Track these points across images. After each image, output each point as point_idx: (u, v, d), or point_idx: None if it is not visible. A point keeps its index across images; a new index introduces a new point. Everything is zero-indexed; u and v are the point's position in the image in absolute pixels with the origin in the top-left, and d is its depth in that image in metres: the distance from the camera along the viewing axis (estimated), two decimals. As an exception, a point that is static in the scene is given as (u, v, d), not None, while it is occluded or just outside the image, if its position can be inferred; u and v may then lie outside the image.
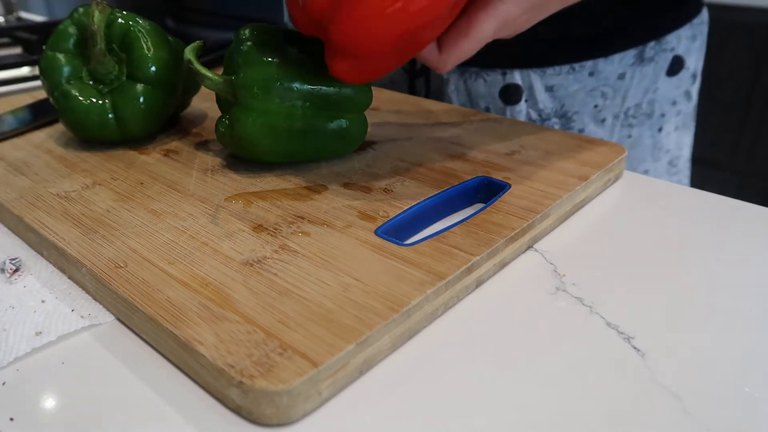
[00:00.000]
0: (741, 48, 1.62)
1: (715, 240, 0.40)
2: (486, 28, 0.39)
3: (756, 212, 0.43)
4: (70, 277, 0.35)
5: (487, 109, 0.67)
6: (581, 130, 0.65)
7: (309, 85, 0.42)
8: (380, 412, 0.27)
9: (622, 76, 0.65)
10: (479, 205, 0.42)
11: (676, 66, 0.67)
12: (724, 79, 1.67)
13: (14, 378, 0.28)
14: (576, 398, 0.27)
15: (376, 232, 0.36)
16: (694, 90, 0.71)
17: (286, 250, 0.34)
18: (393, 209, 0.39)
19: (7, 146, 0.49)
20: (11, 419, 0.26)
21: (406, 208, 0.39)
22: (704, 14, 0.69)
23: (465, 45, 0.39)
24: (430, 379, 0.28)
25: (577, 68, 0.64)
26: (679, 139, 0.71)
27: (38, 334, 0.31)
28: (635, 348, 0.30)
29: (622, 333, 0.31)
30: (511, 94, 0.66)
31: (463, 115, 0.55)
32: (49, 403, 0.27)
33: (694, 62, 0.69)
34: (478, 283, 0.35)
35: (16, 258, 0.36)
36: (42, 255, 0.37)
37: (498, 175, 0.43)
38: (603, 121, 0.66)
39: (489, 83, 0.66)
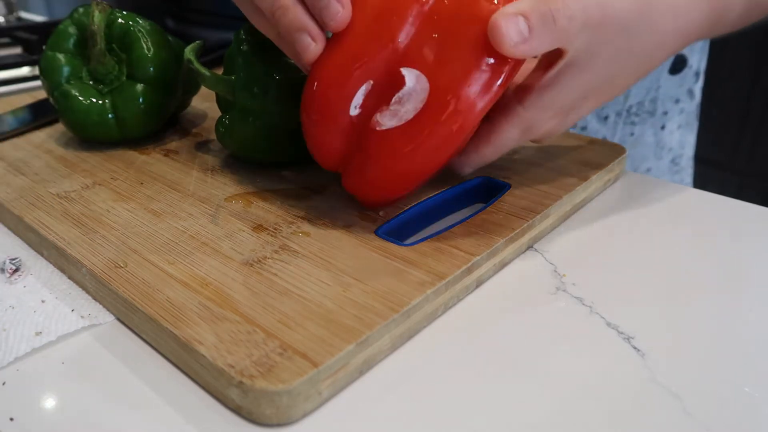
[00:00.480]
0: (741, 48, 1.62)
1: (716, 240, 0.40)
2: (508, 137, 0.38)
3: (756, 212, 0.43)
4: (70, 277, 0.35)
5: None
6: (584, 128, 0.65)
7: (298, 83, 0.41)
8: (380, 412, 0.27)
9: None
10: (479, 205, 0.42)
11: (678, 64, 0.66)
12: (725, 79, 1.67)
13: (14, 378, 0.28)
14: (576, 398, 0.27)
15: (376, 232, 0.36)
16: (697, 88, 0.71)
17: (286, 250, 0.34)
18: (393, 209, 0.39)
19: (7, 146, 0.49)
20: (11, 419, 0.26)
21: (406, 208, 0.39)
22: None
23: (487, 151, 0.39)
24: (430, 379, 0.28)
25: None
26: (682, 138, 0.71)
27: (38, 334, 0.31)
28: (635, 348, 0.30)
29: (622, 333, 0.31)
30: None
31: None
32: (49, 403, 0.27)
33: (697, 61, 0.69)
34: (478, 283, 0.35)
35: (16, 258, 0.36)
36: (42, 255, 0.37)
37: (498, 175, 0.43)
38: (606, 118, 0.66)
39: None
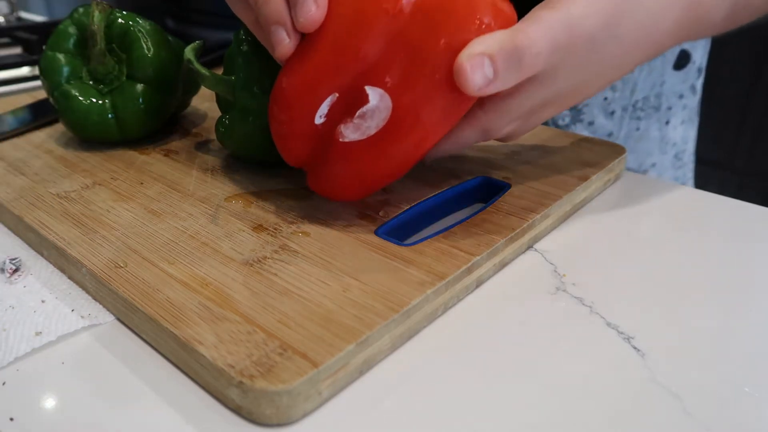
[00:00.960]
0: (741, 47, 1.62)
1: (716, 240, 0.40)
2: (466, 137, 0.37)
3: (756, 212, 0.43)
4: (70, 277, 0.35)
5: None
6: (591, 123, 0.66)
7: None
8: (380, 412, 0.27)
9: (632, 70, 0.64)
10: (479, 205, 0.42)
11: (682, 60, 0.67)
12: (725, 78, 1.67)
13: (14, 378, 0.28)
14: (576, 398, 0.27)
15: (376, 232, 0.36)
16: (699, 84, 0.71)
17: (286, 250, 0.34)
18: (393, 209, 0.39)
19: (7, 146, 0.49)
20: (11, 419, 0.26)
21: (406, 208, 0.39)
22: None
23: (445, 146, 0.38)
24: (430, 379, 0.28)
25: None
26: (684, 133, 0.71)
27: (38, 334, 0.31)
28: (635, 348, 0.30)
29: (622, 333, 0.31)
30: None
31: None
32: (49, 403, 0.27)
33: (700, 57, 0.69)
34: (478, 283, 0.35)
35: (16, 258, 0.36)
36: (42, 255, 0.37)
37: (498, 175, 0.43)
38: (612, 113, 0.66)
39: None
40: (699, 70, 0.70)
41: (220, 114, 0.44)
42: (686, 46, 0.66)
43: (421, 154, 0.34)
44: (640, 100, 0.66)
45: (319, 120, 0.34)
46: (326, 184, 0.36)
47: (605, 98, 0.65)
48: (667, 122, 0.69)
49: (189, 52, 0.43)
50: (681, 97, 0.69)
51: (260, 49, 0.41)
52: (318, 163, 0.36)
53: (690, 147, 0.73)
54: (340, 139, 0.33)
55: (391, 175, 0.35)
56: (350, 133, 0.33)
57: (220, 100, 0.45)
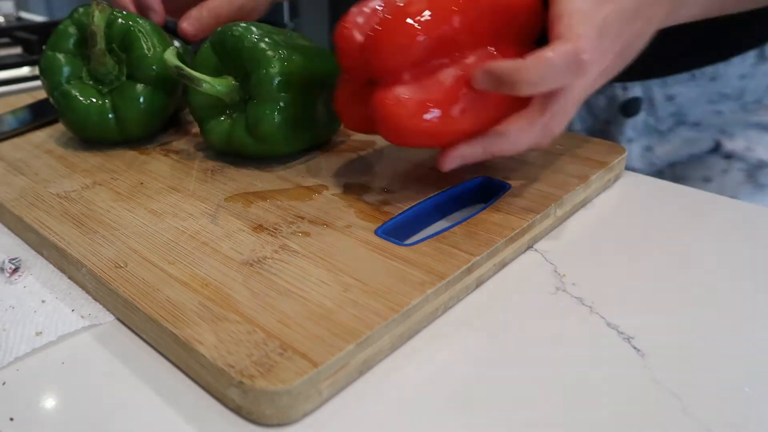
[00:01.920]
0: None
1: (716, 240, 0.40)
2: (525, 137, 0.38)
3: (757, 212, 0.43)
4: (70, 277, 0.35)
5: (608, 122, 0.65)
6: (696, 123, 0.63)
7: (315, 73, 0.44)
8: (380, 412, 0.27)
9: (743, 77, 0.61)
10: (479, 205, 0.42)
11: None
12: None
13: (14, 378, 0.28)
14: (576, 398, 0.27)
15: (376, 232, 0.36)
16: None
17: (286, 250, 0.34)
18: (393, 209, 0.39)
19: (7, 146, 0.49)
20: (11, 419, 0.26)
21: (406, 208, 0.39)
22: None
23: (504, 147, 0.38)
24: (430, 379, 0.28)
25: (698, 74, 0.61)
26: None
27: (38, 334, 0.31)
28: (635, 348, 0.30)
29: (622, 333, 0.31)
30: (631, 107, 0.64)
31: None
32: (49, 403, 0.27)
33: None
34: (478, 283, 0.35)
35: (16, 258, 0.36)
36: (42, 255, 0.37)
37: (498, 175, 0.43)
38: (719, 113, 0.63)
39: (606, 97, 0.64)
40: None
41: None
42: None
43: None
44: (750, 102, 0.63)
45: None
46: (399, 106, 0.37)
47: (710, 100, 0.63)
48: None
49: (172, 58, 0.43)
50: None
51: (266, 45, 0.42)
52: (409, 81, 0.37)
53: None
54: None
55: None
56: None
57: (203, 106, 0.45)
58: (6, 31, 0.85)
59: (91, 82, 0.48)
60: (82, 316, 0.32)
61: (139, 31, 0.47)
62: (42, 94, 0.61)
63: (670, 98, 0.63)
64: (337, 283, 0.31)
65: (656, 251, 0.38)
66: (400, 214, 0.38)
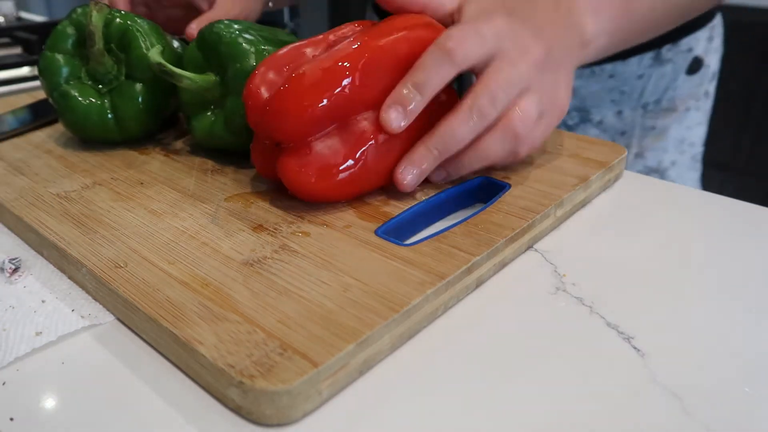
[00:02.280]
0: (741, 48, 1.62)
1: (716, 240, 0.40)
2: (492, 148, 0.39)
3: (756, 212, 0.43)
4: (70, 277, 0.35)
5: None
6: (600, 122, 0.67)
7: None
8: (380, 412, 0.27)
9: (640, 77, 0.66)
10: (479, 205, 0.42)
11: (695, 65, 0.68)
12: (725, 79, 1.66)
13: (14, 378, 0.28)
14: (576, 398, 0.27)
15: (376, 232, 0.36)
16: (712, 89, 0.73)
17: (286, 250, 0.34)
18: (393, 209, 0.39)
19: (7, 146, 0.49)
20: (11, 419, 0.26)
21: (406, 208, 0.39)
22: (718, 17, 0.71)
23: (470, 161, 0.40)
24: (430, 379, 0.28)
25: (597, 71, 0.65)
26: (698, 134, 0.73)
27: (38, 334, 0.31)
28: (635, 348, 0.30)
29: (622, 333, 0.31)
30: None
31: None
32: (49, 403, 0.27)
33: (714, 62, 0.71)
34: (478, 283, 0.35)
35: (16, 258, 0.36)
36: (42, 255, 0.37)
37: (498, 175, 0.43)
38: (620, 113, 0.67)
39: None
40: (713, 75, 0.71)
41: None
42: (699, 53, 0.67)
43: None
44: (650, 102, 0.67)
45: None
46: (274, 107, 0.37)
47: (612, 100, 0.67)
48: (684, 123, 0.70)
49: (156, 55, 0.44)
50: (697, 99, 0.71)
51: (245, 41, 0.43)
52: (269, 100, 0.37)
53: (701, 149, 0.75)
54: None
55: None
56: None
57: (189, 101, 0.46)
58: (6, 31, 0.85)
59: (90, 82, 0.48)
60: (82, 316, 0.32)
61: (137, 30, 0.47)
62: (42, 95, 0.61)
63: (572, 90, 0.66)
64: (337, 283, 0.31)
65: (656, 251, 0.38)
66: (400, 214, 0.38)
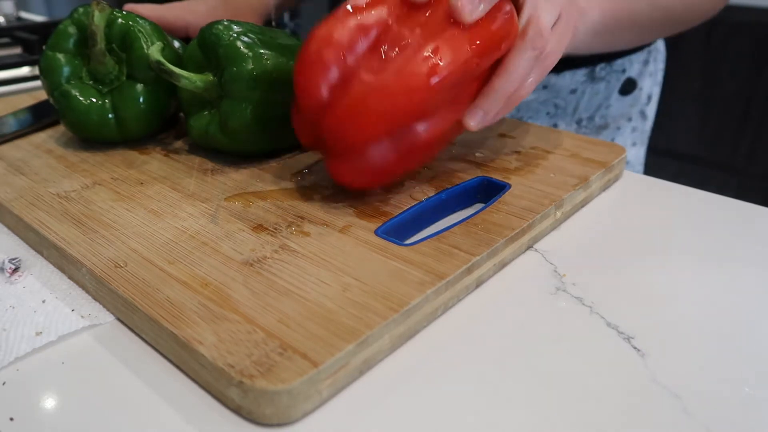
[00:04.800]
0: (741, 48, 1.62)
1: (716, 240, 0.40)
2: (519, 65, 0.39)
3: (756, 212, 0.43)
4: (70, 277, 0.35)
5: None
6: None
7: (289, 72, 0.43)
8: (380, 412, 0.27)
9: (573, 91, 0.70)
10: (479, 205, 0.42)
11: (628, 86, 0.72)
12: (725, 79, 1.67)
13: (14, 378, 0.28)
14: (576, 398, 0.27)
15: (376, 232, 0.36)
16: (650, 111, 0.77)
17: (286, 250, 0.34)
18: (393, 209, 0.39)
19: (8, 146, 0.49)
20: (11, 419, 0.26)
21: (406, 208, 0.39)
22: (658, 43, 0.75)
23: (501, 84, 0.40)
24: (430, 379, 0.28)
25: None
26: (637, 154, 0.77)
27: (38, 334, 0.31)
28: (635, 348, 0.30)
29: (622, 333, 0.31)
30: None
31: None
32: (49, 403, 0.27)
33: (649, 85, 0.75)
34: (478, 283, 0.35)
35: (16, 258, 0.36)
36: (42, 255, 0.37)
37: (498, 175, 0.43)
38: (555, 126, 0.71)
39: None
40: (648, 98, 0.75)
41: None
42: (632, 74, 0.72)
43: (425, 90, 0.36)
44: (584, 118, 0.71)
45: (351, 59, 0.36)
46: (336, 115, 0.36)
47: (547, 113, 0.70)
48: (613, 140, 0.74)
49: (156, 53, 0.44)
50: (630, 119, 0.74)
51: (243, 44, 0.43)
52: (329, 102, 0.36)
53: (641, 169, 0.78)
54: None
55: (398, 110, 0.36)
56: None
57: (189, 101, 0.46)
58: (6, 31, 0.85)
59: (91, 82, 0.48)
60: (82, 316, 0.32)
61: (139, 30, 0.47)
62: (42, 94, 0.61)
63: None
64: (337, 283, 0.31)
65: (656, 251, 0.38)
66: (400, 214, 0.38)
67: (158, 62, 0.43)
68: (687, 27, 0.61)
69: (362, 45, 0.36)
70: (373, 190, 0.41)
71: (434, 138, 0.38)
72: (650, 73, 0.74)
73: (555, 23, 0.42)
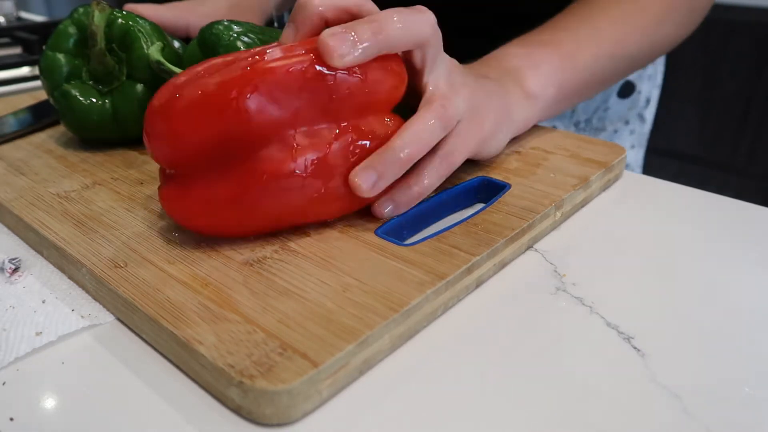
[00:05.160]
0: (741, 48, 1.62)
1: (716, 240, 0.40)
2: (425, 128, 0.36)
3: (756, 212, 0.43)
4: (70, 277, 0.35)
5: None
6: None
7: None
8: (380, 412, 0.27)
9: None
10: (479, 205, 0.42)
11: (626, 89, 0.72)
12: (725, 79, 1.67)
13: (14, 378, 0.28)
14: (576, 398, 0.27)
15: (376, 232, 0.36)
16: (648, 114, 0.77)
17: (286, 250, 0.34)
18: (393, 209, 0.38)
19: (8, 146, 0.49)
20: (11, 419, 0.26)
21: (406, 208, 0.39)
22: None
23: (404, 142, 0.35)
24: (430, 379, 0.28)
25: None
26: (635, 156, 0.77)
27: (38, 334, 0.31)
28: (635, 348, 0.30)
29: (622, 333, 0.31)
30: None
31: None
32: (49, 403, 0.27)
33: (647, 88, 0.74)
34: (478, 283, 0.35)
35: (16, 258, 0.36)
36: (42, 255, 0.37)
37: (498, 175, 0.43)
38: (554, 128, 0.69)
39: None
40: (647, 101, 0.75)
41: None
42: (631, 77, 0.71)
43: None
44: (582, 121, 0.71)
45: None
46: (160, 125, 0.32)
47: None
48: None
49: (156, 53, 0.44)
50: (627, 122, 0.74)
51: (243, 44, 0.43)
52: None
53: (639, 172, 0.78)
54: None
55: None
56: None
57: None
58: (6, 31, 0.85)
59: (91, 82, 0.48)
60: (82, 316, 0.32)
61: (139, 31, 0.47)
62: (42, 94, 0.61)
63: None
64: (337, 283, 0.31)
65: (656, 251, 0.38)
66: (400, 214, 0.38)
67: (158, 62, 0.43)
68: (662, 54, 0.59)
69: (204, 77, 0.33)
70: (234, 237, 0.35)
71: (281, 167, 0.32)
72: (649, 76, 0.74)
73: (468, 118, 0.39)
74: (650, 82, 0.74)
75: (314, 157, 0.33)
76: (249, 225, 0.34)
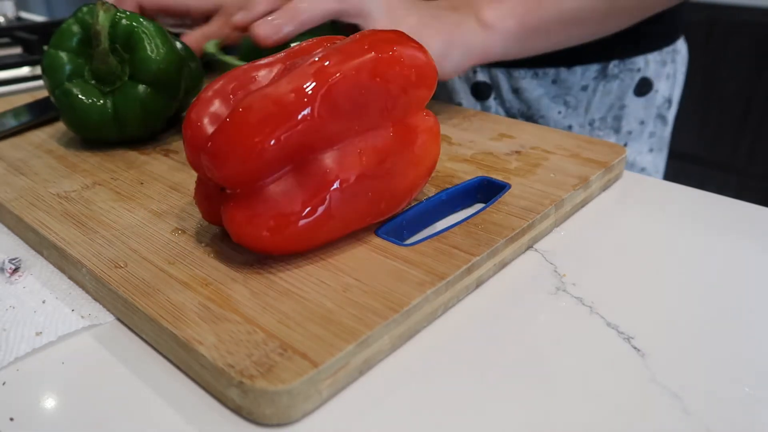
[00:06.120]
0: (741, 48, 1.62)
1: (716, 240, 0.40)
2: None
3: (756, 212, 0.43)
4: (70, 277, 0.35)
5: (460, 104, 0.70)
6: None
7: None
8: (380, 412, 0.27)
9: (585, 88, 0.67)
10: (479, 205, 0.42)
11: (644, 87, 0.68)
12: (725, 79, 1.67)
13: (14, 378, 0.28)
14: (576, 398, 0.27)
15: (376, 233, 0.36)
16: (670, 115, 0.73)
17: (286, 250, 0.34)
18: (393, 209, 0.38)
19: (7, 146, 0.49)
20: (11, 419, 0.26)
21: (406, 208, 0.39)
22: (679, 45, 0.71)
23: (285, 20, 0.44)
24: (430, 379, 0.28)
25: (540, 74, 0.66)
26: (654, 161, 0.73)
27: (38, 334, 0.31)
28: (635, 348, 0.30)
29: (622, 333, 0.31)
30: (481, 91, 0.69)
31: (463, 114, 0.55)
32: (49, 403, 0.27)
33: (668, 88, 0.70)
34: (478, 283, 0.35)
35: (16, 258, 0.36)
36: (42, 255, 0.37)
37: (498, 175, 0.43)
38: (569, 128, 0.69)
39: (462, 79, 0.69)
40: (668, 102, 0.71)
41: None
42: (648, 74, 0.68)
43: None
44: (596, 119, 0.68)
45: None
46: (217, 142, 0.31)
47: (559, 112, 0.67)
48: (625, 145, 0.70)
49: (212, 46, 0.45)
50: (642, 123, 0.70)
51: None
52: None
53: (658, 177, 0.74)
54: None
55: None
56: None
57: None
58: (6, 31, 0.85)
59: (93, 82, 0.48)
60: (82, 316, 0.32)
61: (143, 32, 0.47)
62: (42, 94, 0.61)
63: (516, 91, 0.68)
64: (337, 283, 0.31)
65: (656, 251, 0.38)
66: (400, 214, 0.38)
67: (212, 54, 0.46)
68: (649, 12, 0.57)
69: (247, 87, 0.33)
70: (303, 252, 0.34)
71: (348, 173, 0.32)
72: (668, 74, 0.70)
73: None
74: (670, 81, 0.70)
75: (376, 159, 0.33)
76: (319, 236, 0.33)
